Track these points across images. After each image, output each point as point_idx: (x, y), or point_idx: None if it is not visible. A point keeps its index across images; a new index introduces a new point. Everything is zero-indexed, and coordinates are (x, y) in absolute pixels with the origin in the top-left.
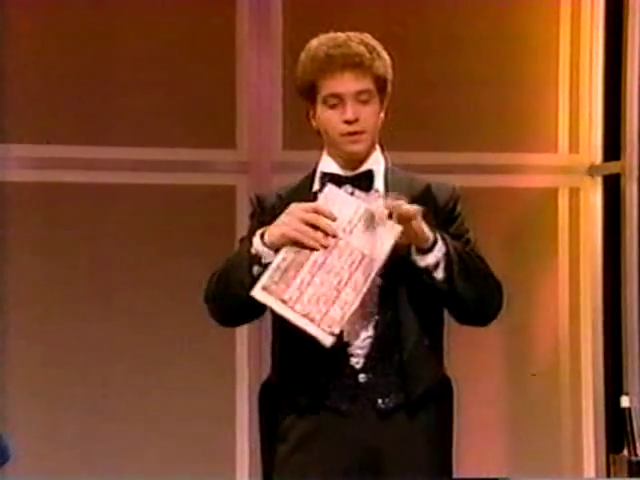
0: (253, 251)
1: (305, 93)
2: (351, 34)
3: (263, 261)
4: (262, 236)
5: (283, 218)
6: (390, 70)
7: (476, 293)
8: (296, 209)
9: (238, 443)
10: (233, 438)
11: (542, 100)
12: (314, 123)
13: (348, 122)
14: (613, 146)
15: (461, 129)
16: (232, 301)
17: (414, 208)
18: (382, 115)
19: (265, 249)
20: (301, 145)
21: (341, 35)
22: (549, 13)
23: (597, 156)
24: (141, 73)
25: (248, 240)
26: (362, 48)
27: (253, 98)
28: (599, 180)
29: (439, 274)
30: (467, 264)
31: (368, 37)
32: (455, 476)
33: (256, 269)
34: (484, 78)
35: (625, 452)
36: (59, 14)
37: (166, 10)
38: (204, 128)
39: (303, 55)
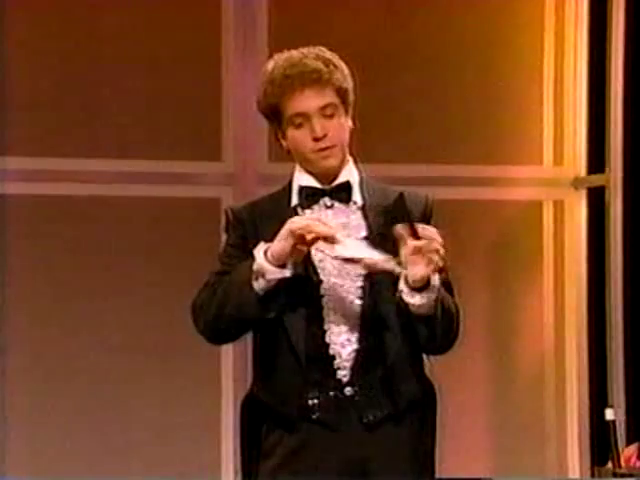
0: (256, 267)
1: (270, 116)
2: (305, 50)
3: (267, 277)
4: (265, 253)
5: (283, 231)
6: (350, 79)
7: (445, 329)
8: (296, 218)
9: (223, 455)
10: (218, 450)
11: (527, 113)
12: (284, 143)
13: (317, 139)
14: (597, 159)
15: (446, 142)
16: (232, 318)
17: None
18: (350, 124)
19: (269, 266)
20: (287, 157)
21: (295, 53)
22: (533, 27)
23: (581, 169)
24: (127, 85)
25: (234, 255)
26: (318, 63)
27: (239, 110)
28: (583, 193)
29: (422, 311)
30: (443, 305)
31: (323, 50)
32: None
33: (261, 284)
34: (469, 91)
35: (609, 464)
36: (46, 31)
37: (152, 22)
38: (190, 140)
39: (262, 78)
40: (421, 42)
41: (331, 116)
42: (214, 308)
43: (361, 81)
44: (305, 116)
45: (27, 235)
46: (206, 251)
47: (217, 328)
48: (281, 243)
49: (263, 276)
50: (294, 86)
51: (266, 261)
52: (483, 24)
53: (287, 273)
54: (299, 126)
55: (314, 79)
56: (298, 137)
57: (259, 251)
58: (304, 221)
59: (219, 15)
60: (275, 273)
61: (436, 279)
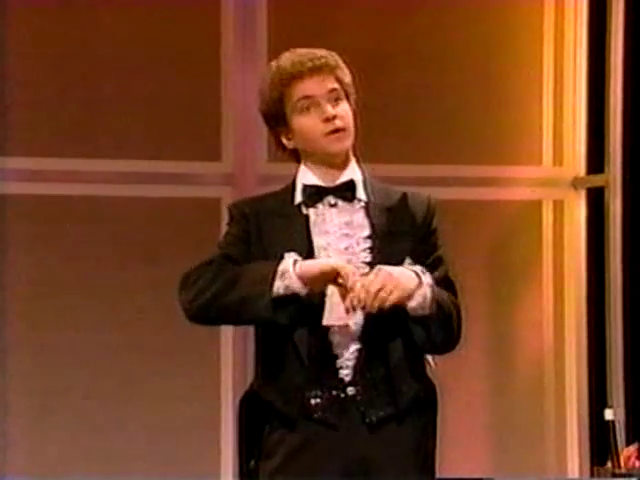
0: (282, 267)
1: (273, 113)
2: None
3: (286, 283)
4: (294, 263)
5: (328, 264)
6: (351, 79)
7: (443, 329)
8: (343, 267)
9: (223, 455)
10: (218, 450)
11: (526, 113)
12: (287, 142)
13: (328, 120)
14: (597, 159)
15: (446, 142)
16: (230, 307)
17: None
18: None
19: (294, 275)
20: (286, 157)
21: (300, 49)
22: (533, 28)
23: (581, 169)
24: (127, 85)
25: (235, 244)
26: (324, 53)
27: (238, 110)
28: (583, 193)
29: (417, 312)
30: (440, 303)
31: (325, 51)
32: None
33: (280, 289)
34: (468, 91)
35: (609, 464)
36: (47, 32)
37: (151, 23)
38: (189, 140)
39: (267, 74)
40: (421, 42)
41: (338, 100)
42: (214, 289)
43: (361, 81)
44: (313, 99)
45: (27, 235)
46: (206, 251)
47: (206, 310)
48: (315, 270)
49: (284, 279)
50: (302, 71)
51: (293, 270)
52: (483, 24)
53: (304, 291)
54: (307, 110)
55: (322, 64)
56: (307, 123)
57: (290, 257)
58: (349, 277)
59: (219, 16)
60: (296, 284)
61: (428, 277)
